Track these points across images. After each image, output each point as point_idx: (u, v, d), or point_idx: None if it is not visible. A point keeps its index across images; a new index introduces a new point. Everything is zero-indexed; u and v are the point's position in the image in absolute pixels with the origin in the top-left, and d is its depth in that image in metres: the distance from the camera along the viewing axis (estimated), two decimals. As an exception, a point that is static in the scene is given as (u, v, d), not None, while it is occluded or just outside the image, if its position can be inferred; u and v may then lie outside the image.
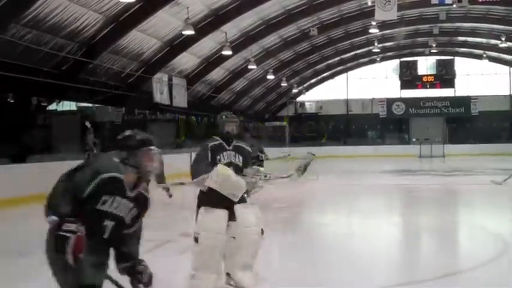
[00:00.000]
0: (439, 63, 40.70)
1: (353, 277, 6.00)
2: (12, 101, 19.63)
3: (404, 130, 41.81)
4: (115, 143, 3.57)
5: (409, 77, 40.78)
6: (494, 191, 14.73)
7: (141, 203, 3.50)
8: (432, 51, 37.09)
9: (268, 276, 6.19)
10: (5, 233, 9.21)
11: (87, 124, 19.21)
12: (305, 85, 41.41)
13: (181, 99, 25.55)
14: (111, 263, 3.45)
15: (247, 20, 23.78)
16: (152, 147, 3.48)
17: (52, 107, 21.70)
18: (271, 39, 27.80)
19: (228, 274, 5.31)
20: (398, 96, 40.88)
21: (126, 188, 3.38)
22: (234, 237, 5.18)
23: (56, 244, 3.07)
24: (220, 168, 5.09)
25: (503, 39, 31.36)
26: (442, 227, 9.98)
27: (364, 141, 40.29)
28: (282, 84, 36.16)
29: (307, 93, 42.63)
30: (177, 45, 22.06)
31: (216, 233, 5.02)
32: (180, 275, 6.28)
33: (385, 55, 38.81)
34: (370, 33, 29.27)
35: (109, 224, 3.34)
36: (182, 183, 11.22)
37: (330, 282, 5.86)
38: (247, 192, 5.46)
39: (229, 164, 5.21)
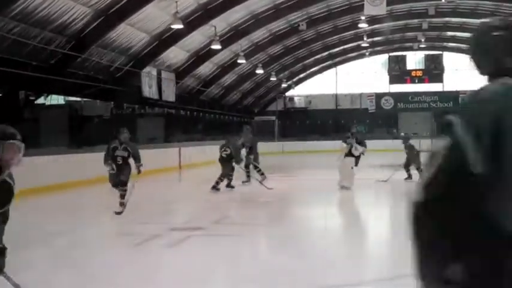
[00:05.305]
0: (428, 58, 40.91)
1: (338, 270, 6.07)
2: (-1, 95, 19.48)
3: (392, 124, 41.99)
4: None
5: (397, 72, 40.96)
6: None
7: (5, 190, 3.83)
8: (421, 46, 37.26)
9: (255, 272, 6.24)
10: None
11: None
12: (294, 80, 41.45)
13: (170, 94, 25.53)
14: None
15: (236, 14, 23.76)
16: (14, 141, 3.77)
17: (40, 100, 21.53)
18: (260, 34, 27.80)
19: None
20: (387, 90, 41.01)
21: None
22: None
23: None
24: None
25: (491, 34, 31.51)
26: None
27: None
28: (271, 79, 36.18)
29: (296, 87, 42.67)
30: (166, 39, 22.00)
31: None
32: (169, 268, 6.32)
33: (374, 50, 38.91)
34: (359, 28, 29.34)
35: None
36: None
37: (318, 275, 5.91)
38: None
39: None
